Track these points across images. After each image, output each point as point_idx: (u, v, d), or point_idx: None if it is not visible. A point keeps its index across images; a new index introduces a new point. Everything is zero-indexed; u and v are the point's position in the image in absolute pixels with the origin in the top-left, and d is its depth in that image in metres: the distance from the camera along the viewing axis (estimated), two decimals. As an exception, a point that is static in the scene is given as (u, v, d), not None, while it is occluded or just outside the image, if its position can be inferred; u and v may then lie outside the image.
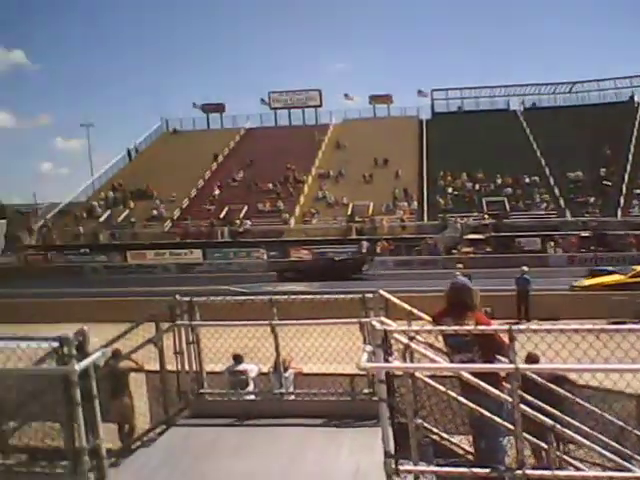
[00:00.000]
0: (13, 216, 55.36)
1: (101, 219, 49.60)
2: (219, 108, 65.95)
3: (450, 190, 47.37)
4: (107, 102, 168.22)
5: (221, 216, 47.51)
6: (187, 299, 6.38)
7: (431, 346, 5.10)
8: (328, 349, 7.10)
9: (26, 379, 4.87)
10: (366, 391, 6.26)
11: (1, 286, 32.00)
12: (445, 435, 5.24)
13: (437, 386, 4.66)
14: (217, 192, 51.28)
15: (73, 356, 4.17)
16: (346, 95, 67.11)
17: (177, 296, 6.34)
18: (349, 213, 46.07)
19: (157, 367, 6.50)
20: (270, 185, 50.86)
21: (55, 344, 4.23)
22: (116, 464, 5.16)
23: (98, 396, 4.45)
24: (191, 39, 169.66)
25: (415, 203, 46.53)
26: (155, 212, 48.82)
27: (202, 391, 6.46)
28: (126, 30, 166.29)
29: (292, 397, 6.74)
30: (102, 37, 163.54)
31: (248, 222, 46.12)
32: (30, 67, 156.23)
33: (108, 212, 50.41)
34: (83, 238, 46.34)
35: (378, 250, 40.50)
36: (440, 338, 5.09)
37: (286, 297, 6.74)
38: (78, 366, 4.15)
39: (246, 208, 47.92)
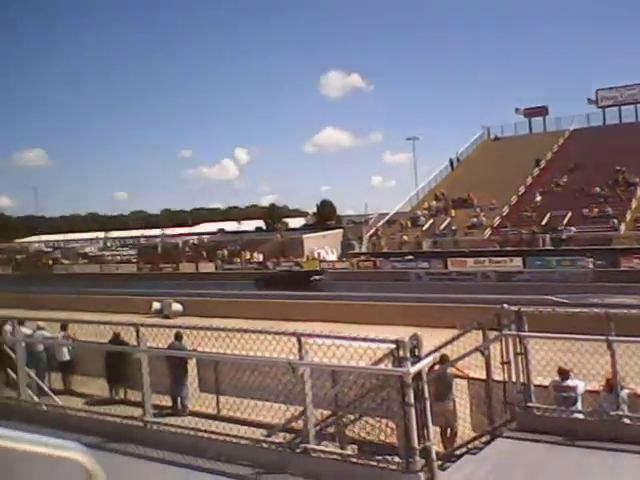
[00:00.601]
0: (347, 226, 61.10)
1: (424, 227, 51.60)
2: (541, 112, 63.64)
3: None
4: (431, 115, 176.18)
5: (542, 223, 45.62)
6: (515, 309, 6.25)
7: None
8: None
9: (364, 376, 5.29)
10: None
11: (339, 289, 35.90)
12: None
13: None
14: (539, 198, 49.42)
15: (407, 359, 4.42)
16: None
17: (505, 305, 6.26)
18: (695, 218, 40.49)
19: (479, 375, 6.50)
20: (597, 189, 47.25)
21: (392, 346, 4.54)
22: (443, 467, 5.27)
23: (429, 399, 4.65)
24: (517, 42, 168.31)
25: None
26: (475, 220, 49.15)
27: (530, 404, 6.26)
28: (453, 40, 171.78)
29: (628, 421, 6.14)
30: (425, 50, 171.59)
31: (572, 229, 43.54)
32: (365, 88, 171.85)
33: (431, 221, 52.23)
34: (407, 246, 48.84)
35: None
36: None
37: (625, 312, 6.20)
38: (412, 368, 4.38)
39: (570, 214, 45.20)
